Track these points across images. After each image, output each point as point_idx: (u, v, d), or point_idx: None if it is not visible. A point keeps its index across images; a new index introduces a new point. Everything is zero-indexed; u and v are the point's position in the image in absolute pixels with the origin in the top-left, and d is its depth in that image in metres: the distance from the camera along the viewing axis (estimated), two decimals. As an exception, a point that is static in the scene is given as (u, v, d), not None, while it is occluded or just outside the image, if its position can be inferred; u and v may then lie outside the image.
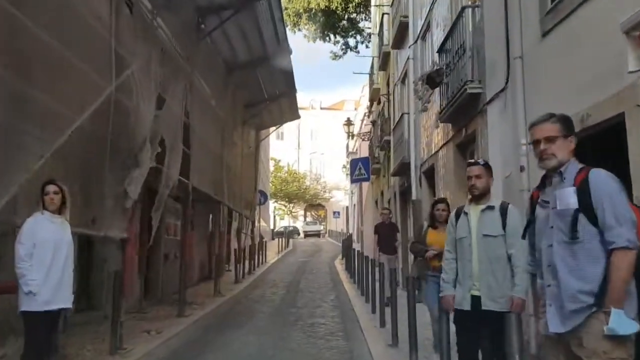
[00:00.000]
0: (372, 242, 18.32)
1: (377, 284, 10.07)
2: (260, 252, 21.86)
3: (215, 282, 12.07)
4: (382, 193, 18.71)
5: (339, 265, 21.03)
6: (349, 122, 22.59)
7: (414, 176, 11.50)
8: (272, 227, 49.77)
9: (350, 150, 47.12)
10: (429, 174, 10.66)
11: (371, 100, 22.09)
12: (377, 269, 9.77)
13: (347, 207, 56.31)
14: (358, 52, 33.00)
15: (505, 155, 6.20)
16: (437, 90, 8.98)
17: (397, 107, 14.18)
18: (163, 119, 7.95)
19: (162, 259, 11.39)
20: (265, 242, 29.51)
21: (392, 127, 14.63)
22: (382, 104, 17.65)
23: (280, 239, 34.28)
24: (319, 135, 64.40)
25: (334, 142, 61.90)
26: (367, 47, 32.95)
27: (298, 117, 18.46)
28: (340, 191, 61.51)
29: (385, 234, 10.58)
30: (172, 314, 9.35)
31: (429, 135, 10.40)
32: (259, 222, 30.04)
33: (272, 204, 60.04)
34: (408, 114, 12.25)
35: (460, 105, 7.64)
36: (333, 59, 33.68)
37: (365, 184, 26.59)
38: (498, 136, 6.49)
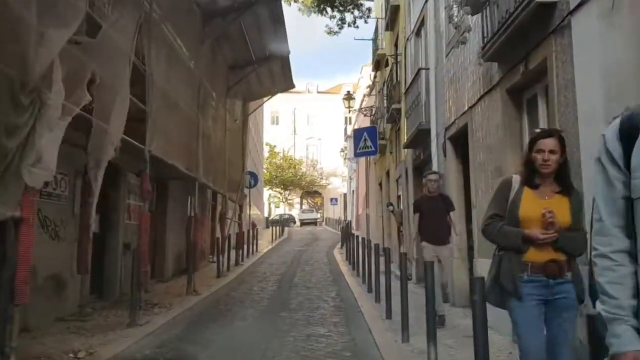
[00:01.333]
0: (376, 228, 16.09)
1: (384, 277, 7.89)
2: (251, 241, 19.58)
3: (189, 278, 9.77)
4: (387, 173, 16.43)
5: (338, 255, 18.78)
6: (349, 96, 20.22)
7: (436, 144, 9.20)
8: (266, 215, 47.49)
9: (349, 130, 44.80)
10: (458, 139, 8.36)
11: (376, 68, 19.70)
12: (382, 258, 7.53)
13: (344, 195, 54.15)
14: (357, 26, 30.69)
15: (616, 86, 3.89)
16: (475, 22, 6.65)
17: (411, 65, 11.84)
18: (96, 51, 5.59)
19: (120, 249, 9.06)
20: (257, 229, 27.28)
21: (403, 90, 12.29)
22: (389, 67, 15.27)
23: (274, 228, 32.11)
24: (315, 120, 61.99)
25: (331, 127, 59.56)
26: (365, 22, 30.57)
27: (292, 85, 16.06)
28: (337, 178, 59.28)
29: (432, 212, 6.70)
30: (123, 321, 7.07)
31: (458, 90, 8.06)
32: (250, 208, 27.77)
33: (266, 192, 57.82)
34: (427, 69, 9.91)
35: (519, 28, 5.30)
36: (328, 33, 31.33)
37: (367, 165, 24.32)
38: (598, 59, 4.15)
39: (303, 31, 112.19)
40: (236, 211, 15.21)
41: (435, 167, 9.20)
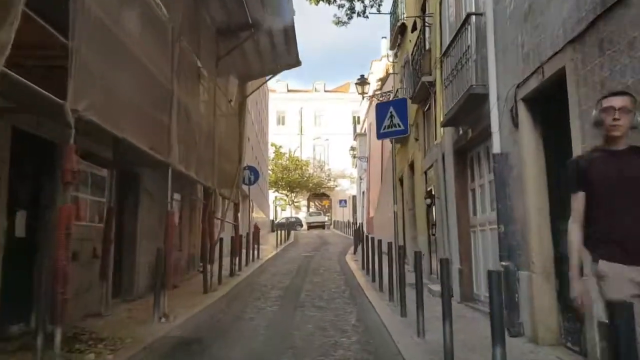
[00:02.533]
0: (388, 231, 13.60)
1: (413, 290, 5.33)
2: (252, 246, 16.99)
3: (156, 298, 7.15)
4: (411, 165, 13.78)
5: (352, 262, 16.15)
6: (363, 81, 17.55)
7: (497, 112, 6.56)
8: (272, 218, 44.94)
9: (359, 128, 42.15)
10: (538, 100, 5.73)
11: (395, 43, 17.05)
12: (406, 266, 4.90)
13: (352, 197, 51.44)
14: (367, 16, 28.23)
15: None
16: None
17: (449, 24, 9.20)
18: None
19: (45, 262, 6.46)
20: (260, 233, 24.71)
21: (438, 55, 9.65)
22: (417, 34, 12.64)
23: (280, 231, 29.63)
24: (322, 120, 59.46)
25: (339, 127, 57.04)
26: (378, 10, 28.04)
27: (298, 62, 13.44)
28: (345, 180, 56.71)
29: (623, 186, 2.83)
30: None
31: (542, 24, 5.42)
32: (252, 209, 25.14)
33: (272, 194, 55.27)
34: (480, 14, 7.28)
35: None
36: (336, 24, 28.91)
37: (382, 153, 21.60)
38: None
39: (309, 31, 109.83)
40: (228, 210, 12.59)
41: (496, 145, 6.56)
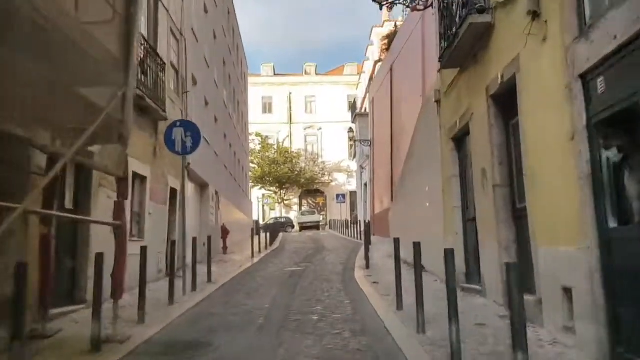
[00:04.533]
0: (417, 230, 6.98)
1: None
2: (209, 261, 10.01)
3: None
4: (469, 116, 6.89)
5: (368, 286, 9.25)
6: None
7: None
8: (256, 219, 37.89)
9: (360, 101, 35.12)
10: None
11: None
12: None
13: (350, 193, 44.39)
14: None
15: None
16: None
17: None
18: None
19: None
20: (227, 237, 17.75)
21: None
22: None
23: (266, 234, 23.00)
24: (314, 107, 52.49)
25: (334, 114, 50.17)
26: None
27: None
28: (342, 174, 49.83)
29: None
30: None
31: None
32: (218, 207, 18.19)
33: (258, 191, 48.24)
34: None
35: None
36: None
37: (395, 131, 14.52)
38: None
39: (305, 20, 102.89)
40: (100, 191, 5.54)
41: None
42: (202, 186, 15.73)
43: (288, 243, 24.06)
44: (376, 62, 30.50)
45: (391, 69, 23.83)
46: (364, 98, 34.02)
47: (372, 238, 19.21)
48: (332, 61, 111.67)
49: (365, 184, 31.78)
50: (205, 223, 15.46)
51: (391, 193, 23.06)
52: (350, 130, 31.60)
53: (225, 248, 17.61)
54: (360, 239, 23.07)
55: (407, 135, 16.65)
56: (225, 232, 17.41)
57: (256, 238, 21.16)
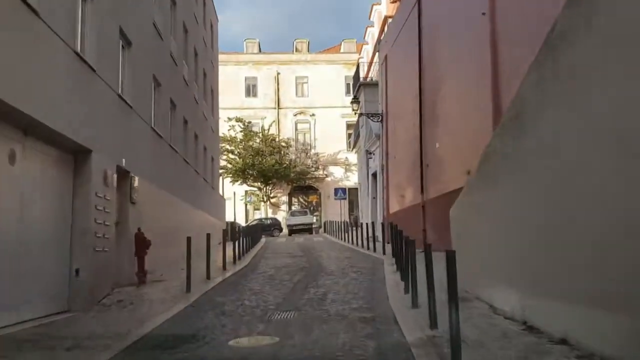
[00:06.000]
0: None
1: None
2: None
3: None
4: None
5: None
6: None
7: None
8: (233, 220, 30.07)
9: (367, 64, 27.38)
10: None
11: None
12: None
13: (348, 189, 36.47)
14: None
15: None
16: None
17: None
18: None
19: None
20: (144, 256, 9.99)
21: None
22: None
23: (244, 241, 15.48)
24: (306, 89, 44.82)
25: (329, 97, 42.54)
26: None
27: None
28: (338, 167, 42.29)
29: None
30: None
31: None
32: (124, 200, 10.33)
33: (238, 187, 40.48)
34: None
35: None
36: None
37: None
38: None
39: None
40: None
41: None
42: (75, 155, 8.03)
43: (267, 256, 16.33)
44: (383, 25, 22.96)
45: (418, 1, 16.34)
46: (371, 62, 26.31)
47: (387, 247, 12.34)
48: (327, 40, 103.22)
49: (374, 174, 24.15)
50: (83, 229, 7.74)
51: (421, 182, 15.48)
52: (354, 99, 23.74)
53: (142, 273, 9.83)
54: (370, 248, 16.23)
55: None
56: (141, 245, 9.65)
57: (228, 246, 13.58)
